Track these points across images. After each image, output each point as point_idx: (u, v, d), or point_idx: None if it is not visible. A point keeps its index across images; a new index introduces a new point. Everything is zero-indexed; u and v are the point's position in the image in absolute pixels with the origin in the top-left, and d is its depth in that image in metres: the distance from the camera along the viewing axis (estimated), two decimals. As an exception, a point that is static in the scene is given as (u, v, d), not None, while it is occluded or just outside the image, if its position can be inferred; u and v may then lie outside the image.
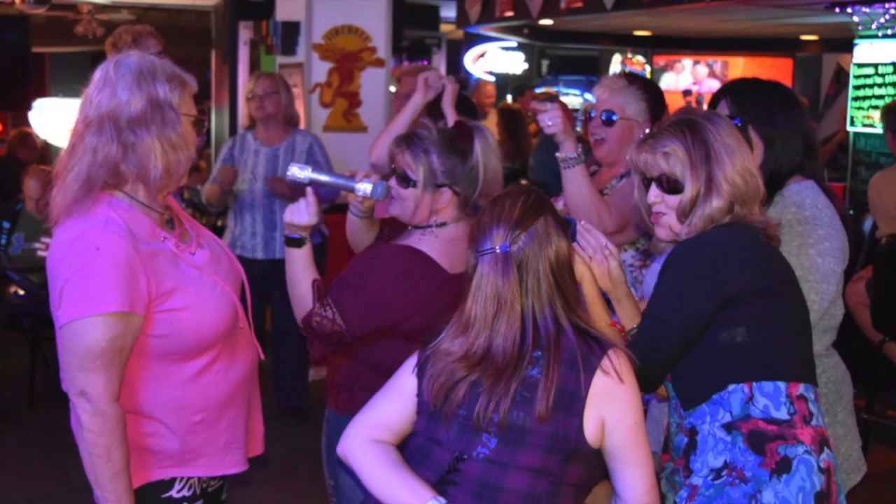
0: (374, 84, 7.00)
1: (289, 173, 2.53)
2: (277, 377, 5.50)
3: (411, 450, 2.11)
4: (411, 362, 2.14)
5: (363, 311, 2.46)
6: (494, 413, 1.98)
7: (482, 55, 12.64)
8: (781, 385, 2.16)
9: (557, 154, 3.04)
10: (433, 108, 3.52)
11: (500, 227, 2.05)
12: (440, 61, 11.50)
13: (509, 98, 11.34)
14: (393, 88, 6.26)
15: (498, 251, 2.03)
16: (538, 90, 10.69)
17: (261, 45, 7.78)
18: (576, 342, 2.01)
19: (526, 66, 13.07)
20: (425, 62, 10.58)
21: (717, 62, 12.17)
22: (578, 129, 5.78)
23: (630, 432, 2.01)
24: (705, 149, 2.21)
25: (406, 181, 2.57)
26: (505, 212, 2.06)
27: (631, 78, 3.31)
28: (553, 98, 8.11)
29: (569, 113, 5.71)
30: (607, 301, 2.35)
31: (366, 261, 2.57)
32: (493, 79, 11.51)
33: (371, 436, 2.11)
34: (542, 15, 8.35)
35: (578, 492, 2.06)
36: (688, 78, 12.31)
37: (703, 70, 12.26)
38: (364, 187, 2.55)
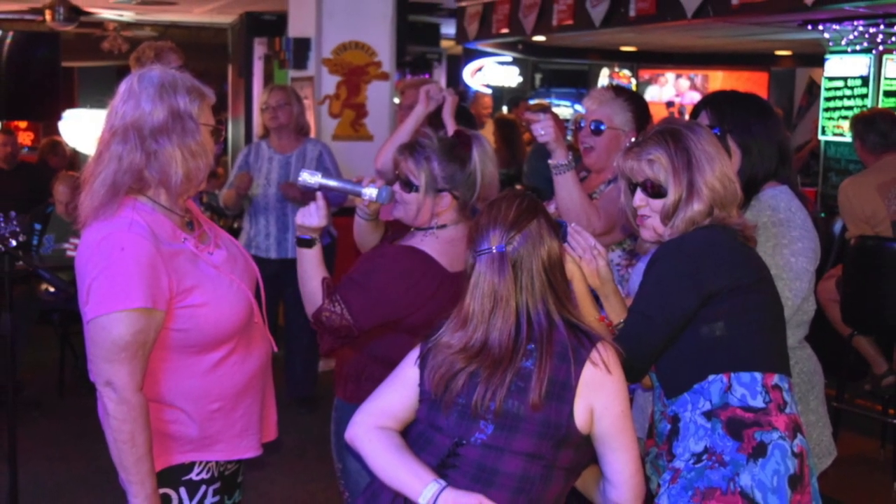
0: (379, 96, 7.01)
1: (300, 179, 2.53)
2: (289, 368, 5.50)
3: (414, 436, 2.10)
4: (414, 354, 2.14)
5: (369, 306, 2.46)
6: (491, 401, 1.98)
7: (480, 69, 12.62)
8: (758, 375, 2.16)
9: (549, 161, 3.03)
10: (434, 119, 3.52)
11: (497, 229, 2.05)
12: (440, 75, 11.48)
13: (505, 109, 11.33)
14: (397, 100, 6.27)
15: (494, 251, 2.03)
16: (532, 102, 10.67)
17: (274, 59, 7.78)
18: (567, 336, 2.00)
19: (520, 79, 13.04)
20: (427, 76, 10.55)
21: (698, 76, 12.15)
22: (569, 137, 5.77)
23: (617, 419, 2.01)
24: (687, 156, 2.21)
25: (409, 186, 2.57)
26: (501, 215, 2.06)
27: (618, 90, 3.30)
28: (545, 109, 8.09)
29: (560, 123, 5.71)
30: (596, 298, 2.35)
31: (371, 260, 2.57)
32: (489, 91, 11.50)
33: (376, 423, 2.10)
34: (536, 32, 8.34)
35: (569, 475, 2.06)
36: (671, 90, 12.29)
37: (685, 83, 12.24)
38: (370, 192, 2.55)
